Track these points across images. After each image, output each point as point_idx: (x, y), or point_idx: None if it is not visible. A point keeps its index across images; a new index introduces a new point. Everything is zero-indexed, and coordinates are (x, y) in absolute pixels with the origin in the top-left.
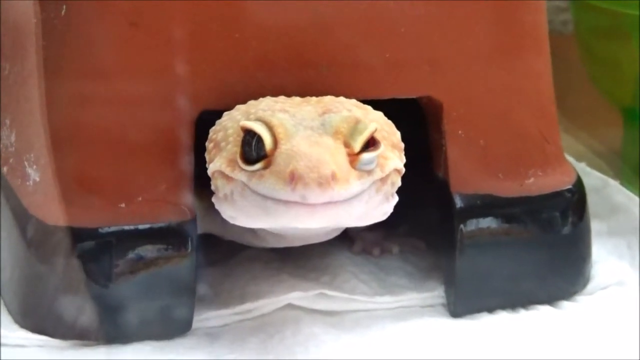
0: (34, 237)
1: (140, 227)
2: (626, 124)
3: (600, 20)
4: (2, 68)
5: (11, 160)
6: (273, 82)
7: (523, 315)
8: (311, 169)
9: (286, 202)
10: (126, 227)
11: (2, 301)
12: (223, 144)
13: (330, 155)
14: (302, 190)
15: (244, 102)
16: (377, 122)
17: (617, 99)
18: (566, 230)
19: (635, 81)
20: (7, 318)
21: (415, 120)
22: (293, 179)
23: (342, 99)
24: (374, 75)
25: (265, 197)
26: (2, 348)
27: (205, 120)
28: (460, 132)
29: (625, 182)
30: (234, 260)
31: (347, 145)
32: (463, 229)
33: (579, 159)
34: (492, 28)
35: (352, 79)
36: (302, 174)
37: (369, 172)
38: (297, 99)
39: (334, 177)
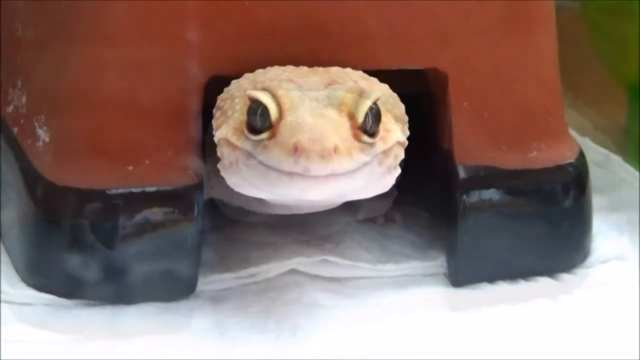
0: (43, 197)
1: (148, 189)
2: (631, 100)
3: None
4: (15, 29)
5: (22, 121)
6: (282, 51)
7: (522, 286)
8: (314, 141)
9: (289, 173)
10: (133, 190)
11: (10, 259)
12: (230, 112)
13: (333, 128)
14: (305, 163)
15: (252, 68)
16: (382, 94)
17: (623, 76)
18: (567, 203)
19: None
20: (14, 276)
21: (421, 91)
22: (296, 150)
23: (349, 70)
24: (381, 46)
25: (268, 167)
26: (9, 306)
27: (215, 88)
28: (465, 104)
29: (629, 158)
30: (239, 226)
31: (351, 117)
32: (466, 199)
33: (583, 134)
34: (499, 2)
35: (360, 50)
36: (305, 146)
37: (372, 145)
38: (304, 68)
39: (336, 149)
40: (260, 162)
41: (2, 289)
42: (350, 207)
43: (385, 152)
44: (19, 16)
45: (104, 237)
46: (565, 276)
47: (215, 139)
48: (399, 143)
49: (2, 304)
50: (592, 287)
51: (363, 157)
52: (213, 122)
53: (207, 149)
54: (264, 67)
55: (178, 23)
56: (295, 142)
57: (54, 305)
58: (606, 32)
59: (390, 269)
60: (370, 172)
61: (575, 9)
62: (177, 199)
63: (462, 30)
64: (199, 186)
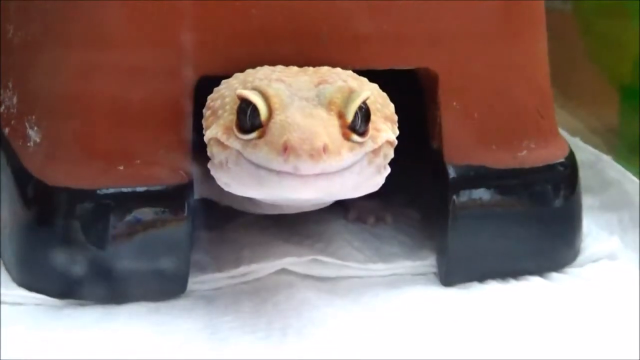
0: (34, 197)
1: (138, 189)
2: (623, 101)
3: None
4: (6, 30)
5: (13, 122)
6: (272, 51)
7: (513, 286)
8: (304, 140)
9: (279, 173)
10: (124, 189)
11: (0, 260)
12: (220, 111)
13: (323, 127)
14: (294, 162)
15: (242, 69)
16: (371, 94)
17: (615, 77)
18: (558, 203)
19: (634, 59)
20: (5, 276)
21: (412, 91)
22: (286, 150)
23: (338, 70)
24: (371, 46)
25: (258, 166)
26: (0, 306)
27: (205, 88)
28: (455, 103)
29: (620, 158)
30: (230, 226)
31: (341, 116)
32: (456, 199)
33: (573, 134)
34: (490, 3)
35: (351, 49)
36: (295, 145)
37: (361, 144)
38: (294, 68)
39: (325, 149)
40: (250, 162)
41: None
42: (340, 206)
43: (375, 151)
44: (9, 17)
45: (94, 237)
46: (555, 275)
47: (206, 139)
48: (388, 142)
49: None
50: (582, 286)
51: (352, 156)
52: (203, 121)
53: (198, 148)
54: (254, 67)
55: (169, 24)
56: (285, 141)
57: (45, 305)
58: (598, 32)
59: (381, 268)
60: (360, 171)
61: (567, 10)
62: (167, 199)
63: (452, 31)
64: (189, 186)
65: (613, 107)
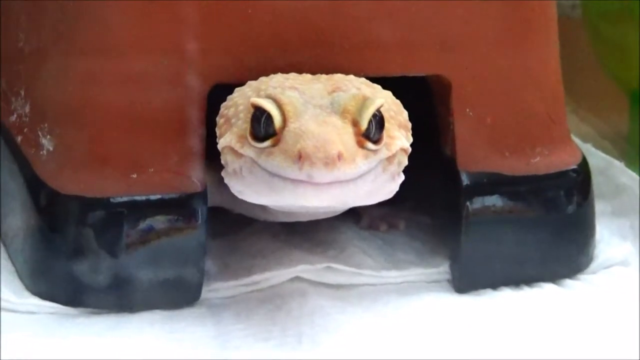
0: (47, 205)
1: (152, 197)
2: (632, 106)
3: (608, 4)
4: (17, 38)
5: (25, 130)
6: (285, 58)
7: (526, 293)
8: (318, 148)
9: (293, 180)
10: (137, 198)
11: (14, 268)
12: (234, 119)
13: (337, 135)
14: (309, 170)
15: (255, 77)
16: (385, 101)
17: (624, 82)
18: (570, 209)
19: None
20: (19, 285)
21: (424, 97)
22: (300, 158)
23: (352, 77)
24: (384, 53)
25: (272, 174)
26: (14, 315)
27: (219, 96)
28: (467, 110)
29: (631, 164)
30: (243, 233)
31: (355, 123)
32: (469, 206)
33: (585, 140)
34: (502, 9)
35: (363, 57)
36: (309, 153)
37: (375, 152)
38: (307, 76)
39: (340, 157)
40: (264, 170)
41: (7, 298)
42: (352, 214)
43: (389, 159)
44: (20, 25)
45: (108, 245)
46: (568, 282)
47: (219, 147)
48: (402, 150)
49: (7, 313)
50: (595, 292)
51: (367, 164)
52: (217, 129)
53: (211, 156)
54: (267, 74)
55: (180, 33)
56: (300, 149)
57: (58, 314)
58: (608, 38)
59: (394, 275)
60: (374, 178)
61: (577, 16)
62: (181, 207)
63: (464, 37)
64: (203, 194)
65: (623, 113)
